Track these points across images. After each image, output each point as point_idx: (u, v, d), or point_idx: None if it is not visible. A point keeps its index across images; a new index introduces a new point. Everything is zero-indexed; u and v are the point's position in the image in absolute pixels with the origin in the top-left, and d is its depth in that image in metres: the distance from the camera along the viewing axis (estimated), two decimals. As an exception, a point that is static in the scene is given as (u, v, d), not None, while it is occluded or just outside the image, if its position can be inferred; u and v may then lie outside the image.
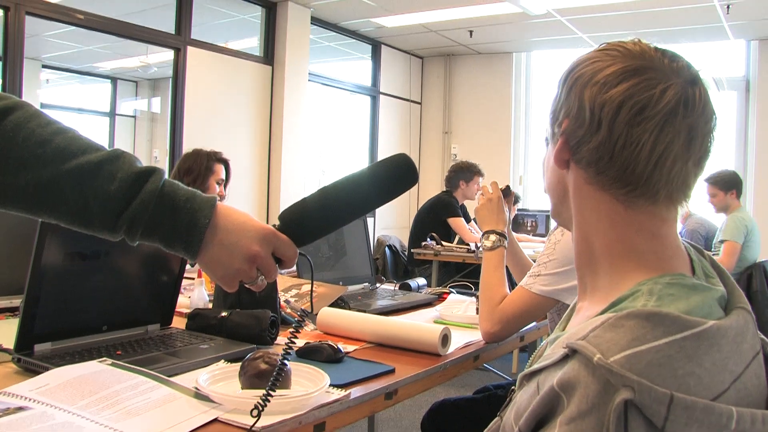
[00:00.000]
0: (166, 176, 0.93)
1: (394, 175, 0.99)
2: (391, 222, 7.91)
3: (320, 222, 0.98)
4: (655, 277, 0.78)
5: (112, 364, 1.30)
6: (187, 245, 0.91)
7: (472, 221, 5.36)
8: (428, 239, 5.00)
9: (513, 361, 4.84)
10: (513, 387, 0.90)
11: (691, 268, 0.83)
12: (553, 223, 6.25)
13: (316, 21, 6.72)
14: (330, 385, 1.28)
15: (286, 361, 1.21)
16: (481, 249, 1.98)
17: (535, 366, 0.78)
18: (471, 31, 7.04)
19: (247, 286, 0.97)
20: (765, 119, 6.61)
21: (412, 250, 5.22)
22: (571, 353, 0.71)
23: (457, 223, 5.36)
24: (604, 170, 0.81)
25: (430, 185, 8.19)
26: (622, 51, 0.82)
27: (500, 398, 1.66)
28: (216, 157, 3.44)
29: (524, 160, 8.11)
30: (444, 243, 4.99)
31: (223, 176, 3.47)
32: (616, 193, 0.82)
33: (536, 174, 7.90)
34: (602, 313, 0.76)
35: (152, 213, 0.89)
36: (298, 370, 1.32)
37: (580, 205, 0.87)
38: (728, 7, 5.59)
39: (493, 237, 1.95)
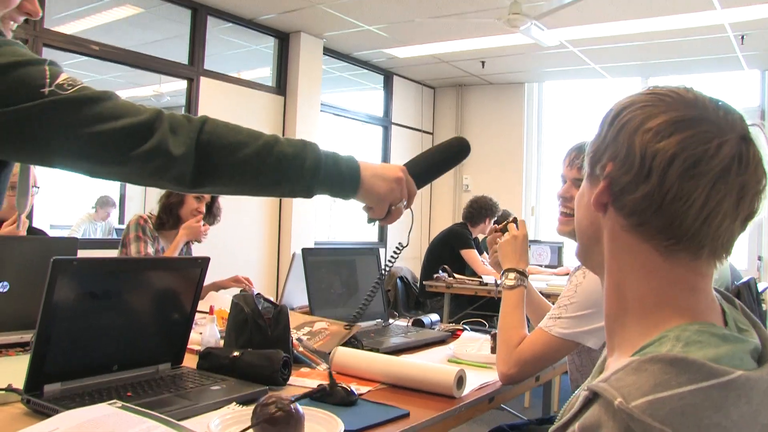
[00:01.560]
0: None
1: (458, 144, 1.50)
2: (403, 253, 7.84)
3: (431, 168, 1.42)
4: (684, 324, 0.76)
5: (122, 407, 1.28)
6: (352, 184, 1.23)
7: (485, 253, 5.32)
8: (440, 271, 4.96)
9: (525, 397, 4.77)
10: (529, 428, 0.88)
11: (723, 321, 0.80)
12: (565, 256, 6.21)
13: (328, 51, 6.75)
14: (344, 431, 1.25)
15: (299, 407, 1.19)
16: (501, 286, 1.94)
17: (565, 418, 0.76)
18: (483, 62, 7.05)
19: (393, 208, 1.28)
20: (780, 149, 6.58)
21: (424, 282, 5.18)
22: (593, 396, 0.69)
23: (470, 255, 5.32)
24: (649, 221, 0.78)
25: (442, 216, 8.16)
26: (674, 97, 0.79)
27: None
28: None
29: (536, 190, 8.06)
30: (456, 275, 4.94)
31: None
32: (657, 244, 0.78)
33: (548, 205, 7.86)
34: None
35: (325, 165, 1.19)
36: (312, 415, 1.29)
37: (616, 253, 0.83)
38: (743, 37, 5.58)
39: (513, 276, 1.91)
